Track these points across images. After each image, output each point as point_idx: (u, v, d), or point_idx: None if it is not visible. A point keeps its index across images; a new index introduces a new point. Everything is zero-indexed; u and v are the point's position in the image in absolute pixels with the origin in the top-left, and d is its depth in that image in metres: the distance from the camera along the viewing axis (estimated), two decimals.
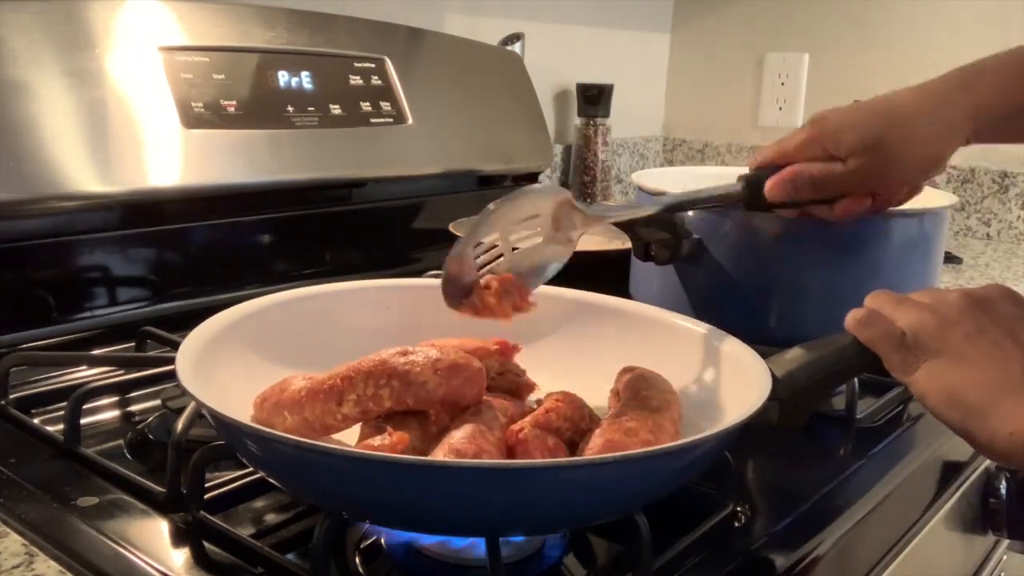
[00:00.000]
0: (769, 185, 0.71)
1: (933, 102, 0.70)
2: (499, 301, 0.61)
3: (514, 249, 0.64)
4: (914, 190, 0.74)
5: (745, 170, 0.75)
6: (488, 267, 0.63)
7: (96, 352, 0.84)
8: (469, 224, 1.12)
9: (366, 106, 1.09)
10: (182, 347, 0.56)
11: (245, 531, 0.54)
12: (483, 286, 0.62)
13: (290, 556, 0.52)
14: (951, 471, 0.78)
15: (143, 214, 0.90)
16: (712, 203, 0.76)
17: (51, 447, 0.64)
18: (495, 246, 0.63)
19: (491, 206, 0.61)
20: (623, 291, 0.86)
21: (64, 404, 0.65)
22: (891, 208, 0.74)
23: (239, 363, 0.61)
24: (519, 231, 0.64)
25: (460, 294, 0.62)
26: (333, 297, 0.71)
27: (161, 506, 0.56)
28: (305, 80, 1.04)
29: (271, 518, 0.58)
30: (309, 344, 0.66)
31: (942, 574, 0.82)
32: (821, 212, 0.73)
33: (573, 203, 0.65)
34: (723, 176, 1.02)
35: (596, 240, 1.15)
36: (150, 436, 0.69)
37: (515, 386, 0.63)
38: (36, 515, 0.55)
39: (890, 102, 0.71)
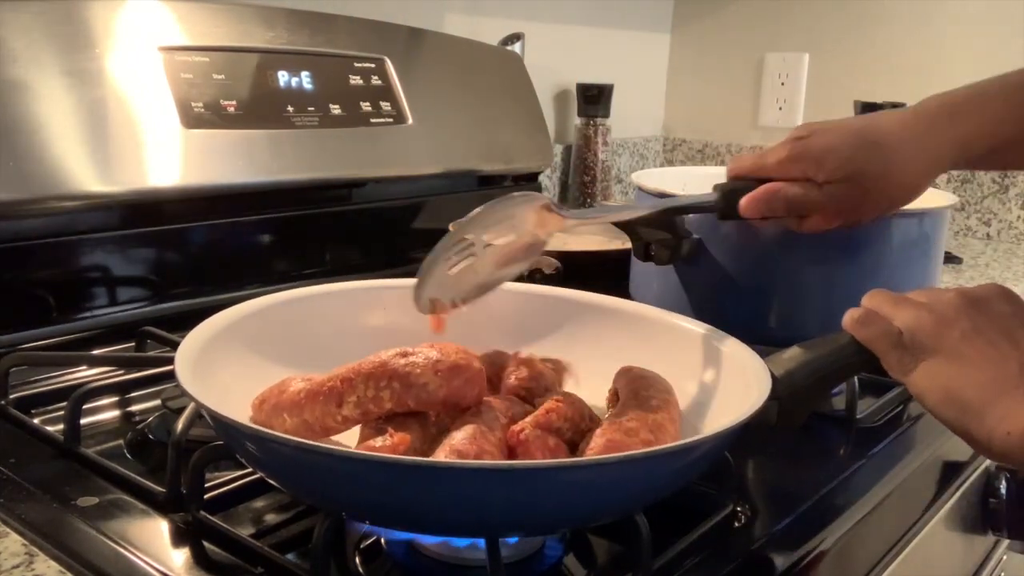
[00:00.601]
0: (744, 202, 0.71)
1: (918, 131, 0.69)
2: None
3: (487, 246, 0.65)
4: (887, 212, 0.74)
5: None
6: (458, 265, 0.64)
7: (96, 352, 0.84)
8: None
9: (366, 106, 1.09)
10: (181, 347, 0.56)
11: (245, 531, 0.54)
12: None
13: (290, 556, 0.52)
14: (951, 471, 0.78)
15: (143, 214, 0.90)
16: (686, 212, 0.77)
17: (51, 447, 0.64)
18: (471, 244, 0.64)
19: (477, 210, 0.63)
20: (623, 291, 0.86)
21: (64, 404, 0.65)
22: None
23: (238, 363, 0.61)
24: (494, 232, 0.65)
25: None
26: (333, 297, 0.71)
27: (161, 506, 0.56)
28: (305, 80, 1.04)
29: (271, 518, 0.58)
30: (309, 345, 0.66)
31: (942, 574, 0.82)
32: (790, 224, 0.72)
33: (550, 207, 0.65)
34: (722, 177, 1.01)
35: (596, 240, 1.15)
36: (150, 436, 0.69)
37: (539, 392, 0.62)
38: (36, 515, 0.55)
39: (875, 129, 0.69)
